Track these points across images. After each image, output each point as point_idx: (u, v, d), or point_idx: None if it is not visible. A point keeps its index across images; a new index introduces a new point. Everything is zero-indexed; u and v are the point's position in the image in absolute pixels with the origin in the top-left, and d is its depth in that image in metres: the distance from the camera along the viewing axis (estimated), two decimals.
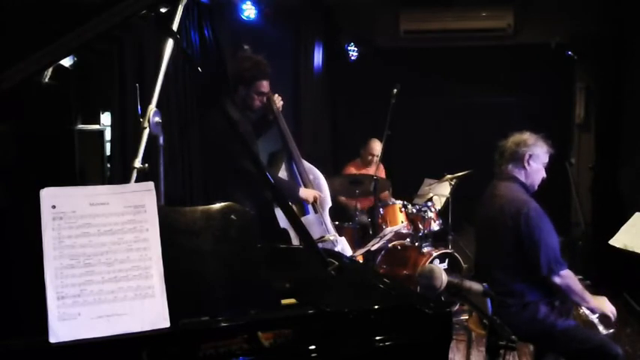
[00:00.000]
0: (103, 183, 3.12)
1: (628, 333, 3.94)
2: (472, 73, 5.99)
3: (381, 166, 5.19)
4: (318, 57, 5.58)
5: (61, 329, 1.23)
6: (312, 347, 1.33)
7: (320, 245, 2.40)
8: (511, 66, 5.99)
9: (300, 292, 1.61)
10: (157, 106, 1.95)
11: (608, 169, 5.41)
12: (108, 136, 3.18)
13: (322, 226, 3.46)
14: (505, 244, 2.62)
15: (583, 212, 5.51)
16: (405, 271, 4.36)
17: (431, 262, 4.25)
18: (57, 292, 1.25)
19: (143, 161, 1.91)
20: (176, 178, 3.23)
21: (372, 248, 4.08)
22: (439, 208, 4.97)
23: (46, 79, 2.32)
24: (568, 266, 2.59)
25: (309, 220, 3.42)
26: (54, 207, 1.30)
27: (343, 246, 3.55)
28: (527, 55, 5.86)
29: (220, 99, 2.97)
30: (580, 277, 4.87)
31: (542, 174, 2.78)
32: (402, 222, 4.62)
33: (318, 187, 3.49)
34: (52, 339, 1.22)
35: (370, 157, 5.22)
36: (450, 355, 1.51)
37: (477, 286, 1.82)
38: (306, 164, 3.51)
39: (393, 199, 4.79)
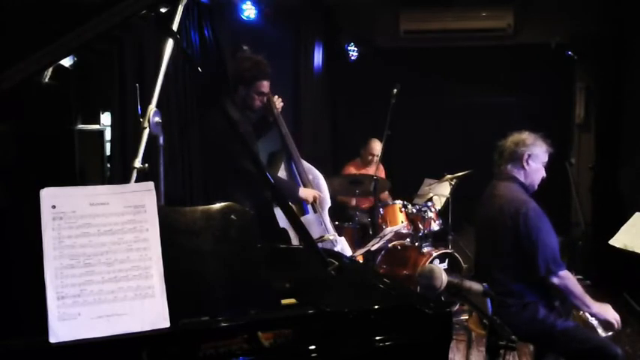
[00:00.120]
0: (103, 183, 3.12)
1: (628, 333, 3.93)
2: (472, 73, 5.99)
3: (381, 166, 5.18)
4: (318, 57, 5.58)
5: (61, 329, 1.23)
6: (312, 347, 1.33)
7: (319, 245, 2.40)
8: (511, 66, 5.99)
9: (300, 292, 1.60)
10: (157, 106, 1.95)
11: (608, 169, 5.41)
12: (108, 136, 3.18)
13: (322, 226, 3.46)
14: (504, 244, 2.62)
15: (583, 212, 5.51)
16: (405, 271, 4.36)
17: (431, 262, 4.24)
18: (57, 292, 1.25)
19: (143, 161, 1.91)
20: (176, 178, 3.24)
21: (372, 248, 4.08)
22: (439, 208, 4.96)
23: (46, 79, 2.32)
24: (568, 266, 2.59)
25: (309, 219, 3.42)
26: (54, 207, 1.30)
27: (343, 246, 3.55)
28: (527, 55, 5.86)
29: (220, 99, 2.96)
30: (580, 277, 4.90)
31: (542, 173, 2.77)
32: (402, 222, 4.63)
33: (317, 187, 3.49)
34: (52, 339, 1.22)
35: (370, 157, 5.22)
36: (450, 355, 1.51)
37: (476, 286, 1.82)
38: (306, 164, 3.51)
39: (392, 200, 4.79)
